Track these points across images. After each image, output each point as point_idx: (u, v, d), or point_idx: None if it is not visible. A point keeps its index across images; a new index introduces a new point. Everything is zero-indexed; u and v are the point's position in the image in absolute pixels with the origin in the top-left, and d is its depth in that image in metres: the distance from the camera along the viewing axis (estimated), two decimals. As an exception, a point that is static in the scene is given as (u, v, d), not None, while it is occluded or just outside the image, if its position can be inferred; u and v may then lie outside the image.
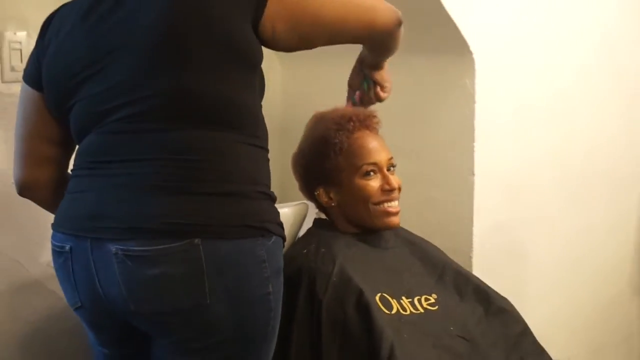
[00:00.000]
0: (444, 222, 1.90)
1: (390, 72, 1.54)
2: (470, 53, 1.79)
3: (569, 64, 2.13)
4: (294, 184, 1.67)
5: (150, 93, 1.15)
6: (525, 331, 1.53)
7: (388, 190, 1.49)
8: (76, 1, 1.29)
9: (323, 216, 1.64)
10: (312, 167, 1.53)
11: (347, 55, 1.59)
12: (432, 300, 1.48)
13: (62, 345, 1.84)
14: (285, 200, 1.75)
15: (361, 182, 1.49)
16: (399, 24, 1.30)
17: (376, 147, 1.51)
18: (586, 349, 2.29)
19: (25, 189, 1.39)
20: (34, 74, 1.31)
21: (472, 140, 1.84)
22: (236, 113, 1.19)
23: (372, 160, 1.49)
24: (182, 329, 1.20)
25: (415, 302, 1.47)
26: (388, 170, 1.51)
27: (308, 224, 1.67)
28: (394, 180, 1.49)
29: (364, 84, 1.49)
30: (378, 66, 1.47)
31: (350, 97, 1.54)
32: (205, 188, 1.17)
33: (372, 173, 1.49)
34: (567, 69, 2.13)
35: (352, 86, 1.54)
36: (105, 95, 1.19)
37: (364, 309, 1.36)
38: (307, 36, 1.25)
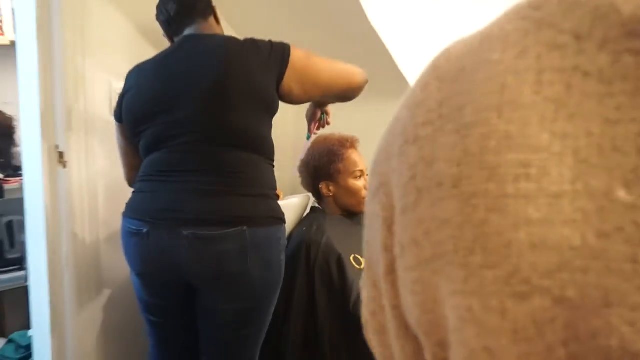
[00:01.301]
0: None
1: (360, 110, 2.15)
2: None
3: None
4: (297, 185, 2.23)
5: (206, 126, 1.52)
6: None
7: (366, 188, 2.05)
8: (152, 58, 1.66)
9: (317, 205, 2.21)
10: (320, 169, 2.09)
11: None
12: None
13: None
14: (295, 193, 2.33)
15: (352, 181, 2.07)
16: (366, 82, 1.74)
17: (361, 160, 2.09)
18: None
19: (130, 184, 1.82)
20: (118, 111, 1.71)
21: None
22: (260, 142, 1.59)
23: (360, 168, 2.08)
24: (230, 285, 1.57)
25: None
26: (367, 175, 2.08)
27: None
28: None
29: (323, 116, 1.99)
30: (329, 104, 1.95)
31: (310, 130, 2.02)
32: (244, 191, 1.55)
33: (359, 176, 2.08)
34: None
35: (311, 119, 1.99)
36: (173, 124, 1.56)
37: (341, 266, 1.86)
38: (309, 94, 1.64)
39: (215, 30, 1.72)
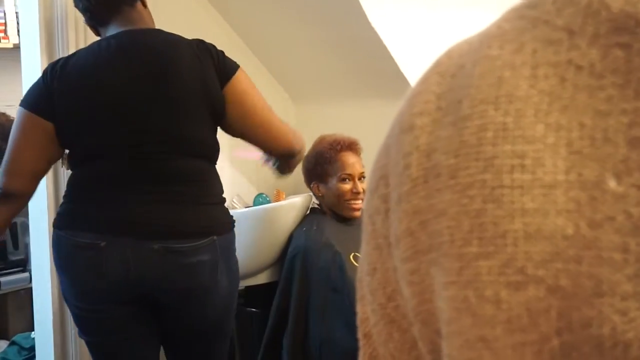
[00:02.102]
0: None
1: (361, 112, 2.19)
2: None
3: None
4: (300, 184, 2.27)
5: (169, 136, 1.49)
6: None
7: (355, 193, 2.06)
8: (88, 53, 1.54)
9: (316, 206, 2.24)
10: (312, 169, 2.13)
11: (352, 99, 2.29)
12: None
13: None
14: (297, 192, 2.38)
15: (339, 185, 2.07)
16: (299, 151, 1.66)
17: (352, 163, 2.07)
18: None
19: (24, 194, 1.56)
20: (42, 103, 1.54)
21: None
22: (213, 150, 1.58)
23: (347, 172, 2.07)
24: (199, 298, 1.53)
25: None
26: (359, 179, 2.07)
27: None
28: (360, 186, 2.05)
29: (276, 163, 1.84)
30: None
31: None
32: (208, 200, 1.54)
33: (347, 180, 2.06)
34: None
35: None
36: (134, 132, 1.48)
37: (340, 264, 1.91)
38: (235, 120, 1.56)
39: (145, 18, 1.60)
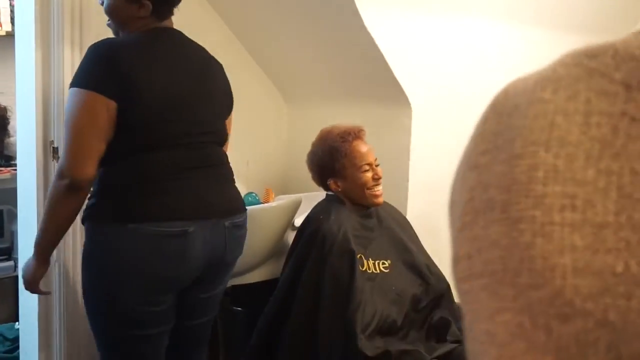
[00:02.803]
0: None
1: (354, 114, 2.19)
2: (409, 104, 2.40)
3: (474, 114, 2.71)
4: (293, 181, 2.26)
5: (215, 127, 1.69)
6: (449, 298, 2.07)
7: (376, 179, 2.03)
8: (152, 42, 1.62)
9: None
10: (325, 166, 2.06)
11: (345, 102, 2.31)
12: (387, 265, 1.99)
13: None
14: (286, 191, 2.40)
15: (360, 175, 2.02)
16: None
17: (367, 152, 2.04)
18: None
19: (89, 177, 1.50)
20: (110, 84, 1.53)
21: (408, 159, 2.44)
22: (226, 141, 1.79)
23: (366, 162, 2.02)
24: (228, 269, 1.74)
25: (376, 264, 1.97)
26: (376, 165, 2.05)
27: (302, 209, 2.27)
28: (379, 171, 2.05)
29: None
30: None
31: None
32: (234, 180, 1.75)
33: (366, 167, 2.02)
34: (473, 117, 2.70)
35: None
36: (194, 123, 1.63)
37: (351, 265, 1.89)
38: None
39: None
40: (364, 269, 1.93)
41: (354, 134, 2.05)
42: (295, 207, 2.11)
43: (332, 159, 2.04)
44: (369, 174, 2.03)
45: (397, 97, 2.42)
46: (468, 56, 2.75)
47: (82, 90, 1.48)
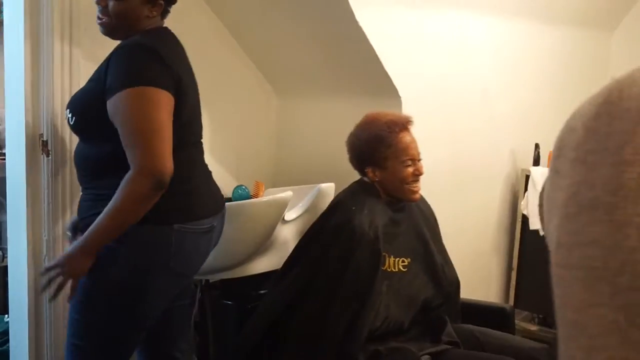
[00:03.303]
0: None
1: (344, 108, 2.25)
2: (399, 97, 2.42)
3: (464, 108, 2.83)
4: (283, 174, 2.29)
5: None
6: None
7: (417, 175, 1.95)
8: (174, 42, 1.68)
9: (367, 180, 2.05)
10: (365, 154, 1.97)
11: (335, 95, 2.32)
12: (406, 263, 1.93)
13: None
14: (276, 184, 2.43)
15: (402, 169, 1.94)
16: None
17: (412, 145, 1.95)
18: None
19: (170, 173, 1.50)
20: (172, 84, 1.56)
21: None
22: None
23: (410, 156, 1.94)
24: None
25: (396, 262, 1.92)
26: (418, 160, 1.97)
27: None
28: (421, 167, 1.96)
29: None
30: None
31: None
32: None
33: (409, 162, 1.94)
34: (461, 109, 2.82)
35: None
36: (200, 128, 1.75)
37: (376, 265, 1.84)
38: None
39: None
40: (384, 268, 1.90)
41: (401, 125, 1.96)
42: (285, 202, 2.11)
43: (375, 148, 1.95)
44: (410, 169, 1.95)
45: (387, 90, 2.43)
46: (456, 48, 2.76)
47: (146, 88, 1.49)
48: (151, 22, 1.63)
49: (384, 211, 1.96)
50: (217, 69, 2.51)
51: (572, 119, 0.38)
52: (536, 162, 3.13)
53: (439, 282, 2.03)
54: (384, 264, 1.89)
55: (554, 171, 0.38)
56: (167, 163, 1.47)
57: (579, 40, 3.56)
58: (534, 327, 3.30)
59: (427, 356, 1.78)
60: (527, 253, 3.19)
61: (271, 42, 2.61)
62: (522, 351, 1.94)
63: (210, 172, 1.77)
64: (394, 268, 1.92)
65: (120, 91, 1.49)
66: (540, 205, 0.41)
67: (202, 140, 1.76)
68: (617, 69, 3.97)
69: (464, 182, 2.91)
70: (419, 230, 2.04)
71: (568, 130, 0.37)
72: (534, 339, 3.12)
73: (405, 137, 1.95)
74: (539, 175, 3.04)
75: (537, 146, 3.13)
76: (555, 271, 0.35)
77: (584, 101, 0.37)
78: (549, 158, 3.17)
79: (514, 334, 2.22)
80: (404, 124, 1.96)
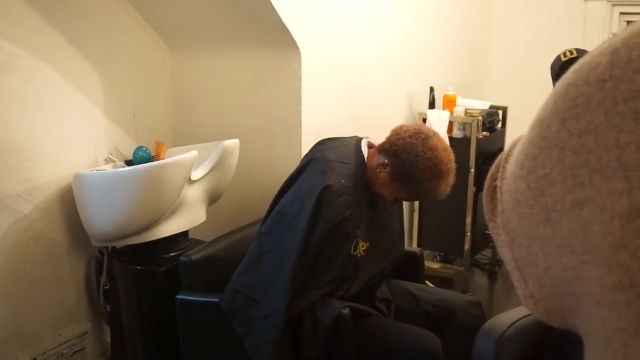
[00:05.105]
0: (282, 157, 2.53)
1: (242, 61, 2.16)
2: (297, 47, 2.38)
3: (363, 57, 2.84)
4: (183, 134, 2.22)
5: None
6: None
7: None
8: None
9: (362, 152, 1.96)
10: (408, 170, 1.83)
11: (232, 47, 2.28)
12: (364, 247, 1.91)
13: None
14: (176, 144, 2.36)
15: (407, 198, 2.08)
16: None
17: (440, 194, 1.87)
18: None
19: None
20: None
21: (300, 104, 2.45)
22: None
23: (429, 199, 1.99)
24: None
25: (361, 246, 1.89)
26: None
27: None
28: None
29: None
30: None
31: None
32: None
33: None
34: (361, 60, 2.83)
35: None
36: None
37: (349, 249, 1.86)
38: None
39: None
40: (354, 253, 1.88)
41: (447, 172, 1.84)
42: (192, 162, 2.06)
43: (421, 176, 1.83)
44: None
45: (286, 42, 2.39)
46: (357, 2, 2.75)
47: None
48: None
49: (368, 202, 1.92)
50: (104, 27, 2.37)
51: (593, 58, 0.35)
52: (431, 105, 3.21)
53: (388, 260, 2.07)
54: (355, 250, 1.88)
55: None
56: None
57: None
58: (436, 265, 3.48)
59: (347, 308, 1.79)
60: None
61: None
62: (459, 306, 2.01)
63: None
64: (359, 253, 1.91)
65: None
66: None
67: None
68: (499, 15, 4.12)
69: (363, 127, 2.95)
70: (377, 213, 2.00)
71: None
72: (438, 276, 3.31)
73: (441, 188, 1.86)
74: (435, 117, 3.13)
75: (432, 89, 3.21)
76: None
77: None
78: (443, 101, 3.28)
79: (423, 274, 2.30)
80: (448, 172, 1.86)
